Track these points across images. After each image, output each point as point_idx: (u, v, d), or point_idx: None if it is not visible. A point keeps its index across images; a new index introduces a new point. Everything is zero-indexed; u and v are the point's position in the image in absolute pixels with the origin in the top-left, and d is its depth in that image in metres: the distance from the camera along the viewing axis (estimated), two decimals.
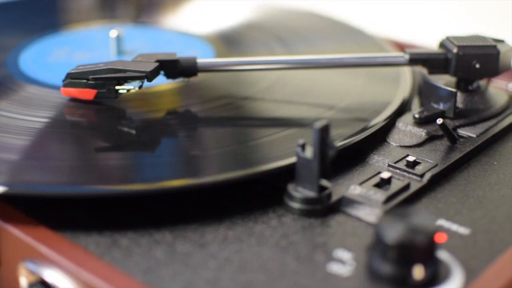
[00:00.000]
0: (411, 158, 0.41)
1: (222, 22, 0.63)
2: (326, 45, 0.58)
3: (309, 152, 0.36)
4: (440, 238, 0.35)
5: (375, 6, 0.83)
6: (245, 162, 0.40)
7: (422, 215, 0.33)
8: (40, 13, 0.65)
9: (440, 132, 0.44)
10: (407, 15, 0.81)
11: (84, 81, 0.44)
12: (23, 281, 0.36)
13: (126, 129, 0.43)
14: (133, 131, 0.43)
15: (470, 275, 0.33)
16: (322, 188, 0.37)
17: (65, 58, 0.53)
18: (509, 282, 0.33)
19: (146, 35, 0.60)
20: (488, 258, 0.34)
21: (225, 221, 0.37)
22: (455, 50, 0.45)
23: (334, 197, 0.38)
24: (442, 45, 0.47)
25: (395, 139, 0.44)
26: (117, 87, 0.44)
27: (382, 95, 0.49)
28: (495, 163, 0.43)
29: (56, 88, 0.46)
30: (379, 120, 0.45)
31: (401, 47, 0.59)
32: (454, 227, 0.37)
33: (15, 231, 0.36)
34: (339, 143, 0.41)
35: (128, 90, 0.44)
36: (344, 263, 0.34)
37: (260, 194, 0.39)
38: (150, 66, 0.44)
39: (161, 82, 0.48)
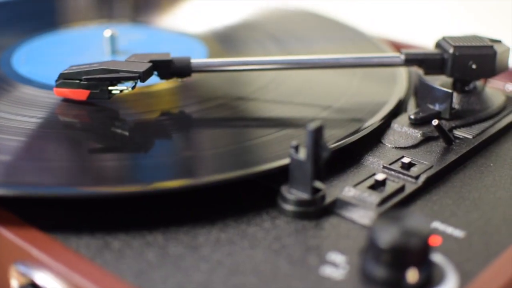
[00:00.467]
0: (406, 160, 0.41)
1: (217, 21, 0.63)
2: (322, 45, 0.58)
3: (302, 154, 0.36)
4: (435, 241, 0.34)
5: (375, 6, 0.82)
6: (239, 163, 0.39)
7: (416, 218, 0.32)
8: (35, 13, 0.65)
9: (436, 133, 0.44)
10: (407, 15, 0.81)
11: (77, 81, 0.44)
12: (14, 283, 0.36)
13: (119, 130, 0.43)
14: (126, 132, 0.43)
15: (465, 278, 0.33)
16: (316, 190, 0.37)
17: (59, 58, 0.53)
18: (505, 285, 0.33)
19: (141, 34, 0.60)
20: (484, 261, 0.34)
21: (218, 223, 0.37)
22: (451, 51, 0.45)
23: (328, 199, 0.37)
24: (438, 45, 0.47)
25: (390, 140, 0.44)
26: (110, 88, 0.44)
27: (377, 96, 0.48)
28: (491, 164, 0.43)
29: (49, 88, 0.46)
30: (374, 121, 0.44)
31: (399, 47, 0.59)
32: (449, 229, 0.36)
33: (6, 233, 0.35)
34: (333, 145, 0.41)
35: (121, 91, 0.44)
36: (337, 266, 0.33)
37: (253, 196, 0.39)
38: (143, 67, 0.44)
39: (155, 82, 0.47)
